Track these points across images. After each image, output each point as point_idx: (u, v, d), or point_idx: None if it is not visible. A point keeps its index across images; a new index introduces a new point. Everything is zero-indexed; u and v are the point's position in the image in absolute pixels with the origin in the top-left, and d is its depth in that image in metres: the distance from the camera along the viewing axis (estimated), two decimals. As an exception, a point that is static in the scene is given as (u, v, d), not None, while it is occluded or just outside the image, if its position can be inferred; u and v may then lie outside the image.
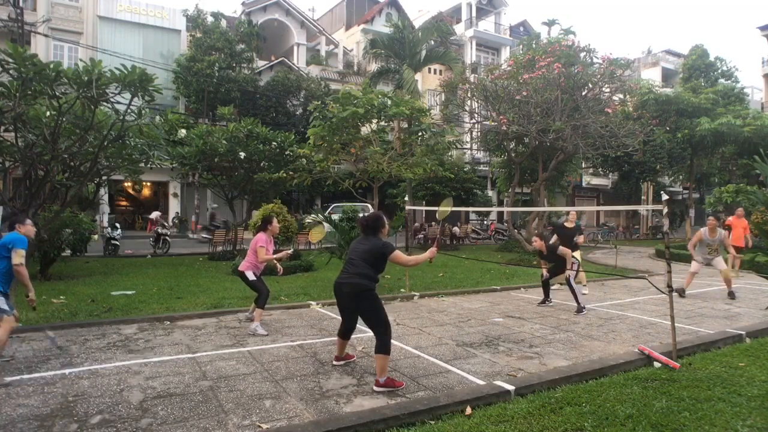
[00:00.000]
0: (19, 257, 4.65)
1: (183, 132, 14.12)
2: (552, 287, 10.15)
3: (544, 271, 8.38)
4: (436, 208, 7.02)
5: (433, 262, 4.75)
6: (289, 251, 7.24)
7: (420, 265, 4.67)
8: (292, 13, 31.12)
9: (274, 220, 6.51)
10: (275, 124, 22.64)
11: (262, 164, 14.44)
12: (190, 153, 13.73)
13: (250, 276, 6.26)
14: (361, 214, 11.87)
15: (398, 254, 4.34)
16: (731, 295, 9.06)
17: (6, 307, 4.69)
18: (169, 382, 4.35)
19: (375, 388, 4.19)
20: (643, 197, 34.53)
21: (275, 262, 6.57)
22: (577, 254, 9.93)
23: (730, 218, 12.83)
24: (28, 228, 4.94)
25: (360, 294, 4.32)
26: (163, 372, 4.61)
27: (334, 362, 4.92)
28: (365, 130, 14.99)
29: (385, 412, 3.65)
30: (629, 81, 19.49)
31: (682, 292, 9.10)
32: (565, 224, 10.07)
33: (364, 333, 6.18)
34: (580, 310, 7.58)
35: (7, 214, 8.00)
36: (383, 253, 4.32)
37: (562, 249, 7.99)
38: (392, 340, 5.77)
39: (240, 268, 6.38)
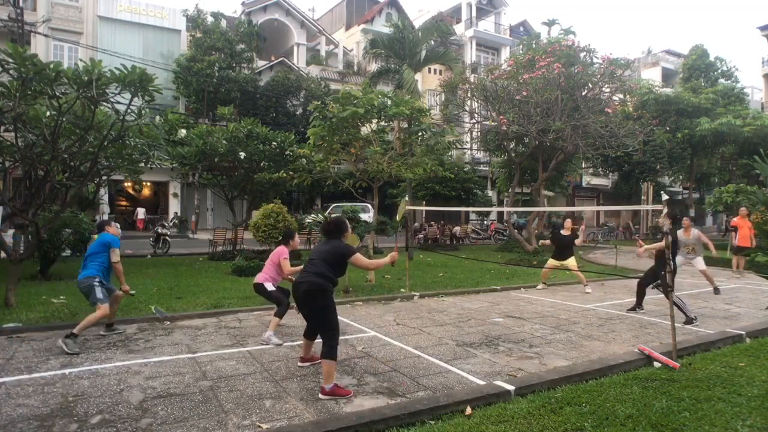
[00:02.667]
0: (116, 255, 5.67)
1: (183, 132, 14.11)
2: (537, 287, 10.11)
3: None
4: (436, 208, 7.03)
5: (396, 265, 4.76)
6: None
7: (381, 268, 4.64)
8: (292, 13, 31.13)
9: (296, 236, 6.29)
10: (275, 124, 22.65)
11: (262, 164, 14.43)
12: (190, 153, 13.72)
13: (269, 287, 5.93)
14: (361, 214, 11.91)
15: (358, 257, 4.33)
16: (716, 291, 9.38)
17: (101, 296, 5.48)
18: (169, 382, 4.35)
19: (321, 396, 4.03)
20: (643, 197, 34.53)
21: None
22: (572, 259, 9.96)
23: (735, 219, 12.79)
24: (114, 230, 5.95)
25: (314, 293, 4.20)
26: (163, 372, 4.61)
27: (299, 363, 4.84)
28: (365, 130, 14.98)
29: (385, 412, 3.65)
30: (629, 81, 19.52)
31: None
32: (562, 232, 10.11)
33: (364, 333, 6.19)
34: (689, 321, 6.84)
35: (7, 214, 8.01)
36: (343, 254, 4.28)
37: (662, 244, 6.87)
38: (393, 340, 5.82)
39: (257, 280, 6.01)
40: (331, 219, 4.66)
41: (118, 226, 5.93)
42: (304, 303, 4.34)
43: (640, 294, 7.71)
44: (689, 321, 6.86)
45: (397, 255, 4.55)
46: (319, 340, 4.47)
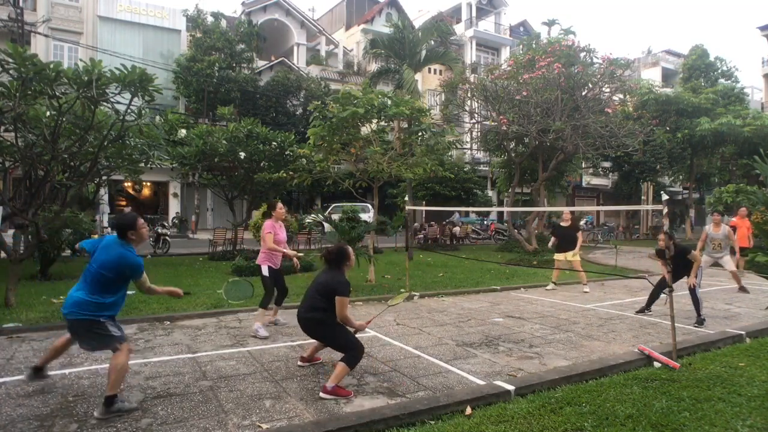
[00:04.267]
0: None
1: (183, 132, 14.12)
2: (547, 287, 10.16)
3: (661, 265, 7.26)
4: (436, 208, 7.03)
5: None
6: (298, 262, 6.83)
7: (347, 324, 4.45)
8: (292, 13, 31.13)
9: (278, 204, 6.37)
10: (275, 124, 22.65)
11: (262, 164, 14.43)
12: (190, 153, 13.72)
13: (264, 271, 6.12)
14: (361, 215, 11.92)
15: (342, 302, 4.21)
16: (743, 289, 9.51)
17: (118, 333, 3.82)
18: (169, 382, 4.35)
19: (321, 394, 4.05)
20: (643, 197, 34.54)
21: (291, 257, 6.33)
22: (577, 255, 10.01)
23: (734, 219, 12.79)
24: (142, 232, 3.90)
25: (313, 327, 4.35)
26: (163, 372, 4.61)
27: (299, 363, 4.86)
28: (365, 130, 14.97)
29: (385, 412, 3.65)
30: (629, 81, 19.53)
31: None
32: (561, 224, 10.24)
33: (364, 333, 6.17)
34: (700, 322, 6.83)
35: (7, 214, 8.00)
36: (334, 290, 4.24)
37: (694, 253, 6.95)
38: (393, 341, 5.83)
39: (257, 261, 6.27)
40: (333, 247, 4.53)
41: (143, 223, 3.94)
42: (309, 334, 4.51)
43: (655, 296, 7.53)
44: (700, 322, 6.82)
45: (366, 325, 4.58)
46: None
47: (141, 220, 3.89)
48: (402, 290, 6.07)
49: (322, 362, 4.93)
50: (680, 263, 6.75)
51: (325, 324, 4.31)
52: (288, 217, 12.47)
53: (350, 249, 4.57)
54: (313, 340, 4.79)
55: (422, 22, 25.88)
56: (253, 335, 5.91)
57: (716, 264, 9.55)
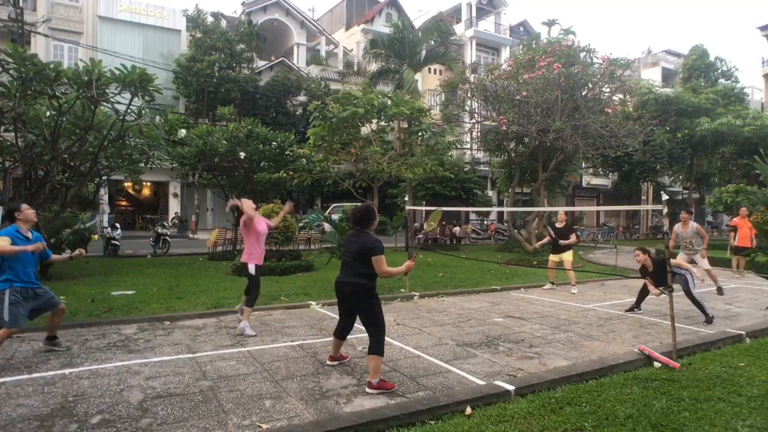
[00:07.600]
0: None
1: (183, 132, 14.13)
2: (544, 287, 10.16)
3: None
4: (436, 208, 7.04)
5: (409, 274, 4.72)
6: (290, 207, 7.26)
7: (393, 277, 4.52)
8: (292, 13, 31.13)
9: (243, 201, 6.48)
10: (275, 124, 22.66)
11: (262, 164, 14.45)
12: (190, 153, 13.73)
13: (251, 269, 6.17)
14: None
15: (380, 260, 4.23)
16: (720, 291, 9.33)
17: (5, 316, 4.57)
18: (169, 382, 4.35)
19: (368, 390, 4.16)
20: (643, 197, 34.55)
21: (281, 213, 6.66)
22: (569, 254, 10.02)
23: (735, 219, 12.78)
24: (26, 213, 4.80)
25: (359, 293, 4.34)
26: (163, 372, 4.61)
27: (328, 362, 4.93)
28: (365, 130, 15.00)
29: (385, 412, 3.65)
30: (629, 81, 19.50)
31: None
32: (557, 225, 10.23)
33: (364, 333, 6.17)
34: (709, 320, 6.92)
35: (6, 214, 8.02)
36: (371, 249, 4.23)
37: (675, 261, 7.00)
38: (393, 341, 5.82)
39: (242, 259, 6.34)
40: (360, 206, 4.49)
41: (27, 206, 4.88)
42: (350, 303, 4.48)
43: (644, 294, 7.59)
44: (709, 321, 6.92)
45: (412, 264, 4.49)
46: (354, 337, 4.46)
47: (25, 205, 4.85)
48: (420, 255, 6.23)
49: (349, 361, 5.00)
50: (661, 274, 6.73)
51: (371, 292, 4.32)
52: (288, 217, 12.46)
53: (375, 210, 4.55)
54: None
55: (422, 22, 25.85)
56: (239, 334, 5.95)
57: (693, 261, 9.46)
